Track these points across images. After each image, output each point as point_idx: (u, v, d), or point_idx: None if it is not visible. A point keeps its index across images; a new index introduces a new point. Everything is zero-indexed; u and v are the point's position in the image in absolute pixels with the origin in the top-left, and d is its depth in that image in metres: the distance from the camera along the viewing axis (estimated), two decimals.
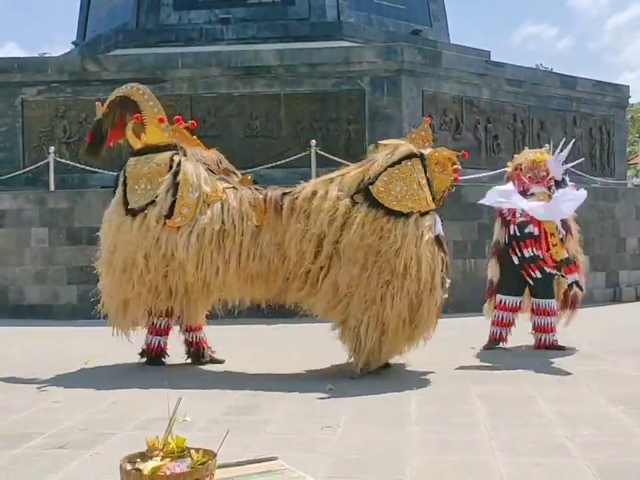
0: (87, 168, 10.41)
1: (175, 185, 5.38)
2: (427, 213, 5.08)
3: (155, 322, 5.64)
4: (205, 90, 10.72)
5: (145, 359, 5.74)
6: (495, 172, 9.90)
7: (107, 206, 5.67)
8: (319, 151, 9.57)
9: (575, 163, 6.55)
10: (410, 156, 5.19)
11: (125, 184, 5.50)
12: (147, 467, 2.58)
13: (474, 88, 11.61)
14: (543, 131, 12.45)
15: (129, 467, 2.59)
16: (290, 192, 5.36)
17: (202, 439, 3.55)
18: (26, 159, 10.83)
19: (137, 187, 5.45)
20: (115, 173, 9.92)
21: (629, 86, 14.21)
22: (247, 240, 5.26)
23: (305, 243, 5.11)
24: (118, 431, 3.70)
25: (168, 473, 2.54)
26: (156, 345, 5.70)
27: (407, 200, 5.04)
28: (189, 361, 5.76)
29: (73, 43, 14.85)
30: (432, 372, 5.16)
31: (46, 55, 21.26)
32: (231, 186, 5.54)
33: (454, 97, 11.35)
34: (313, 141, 9.67)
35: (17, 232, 9.14)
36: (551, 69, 22.45)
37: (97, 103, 5.93)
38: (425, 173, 5.18)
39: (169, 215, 5.32)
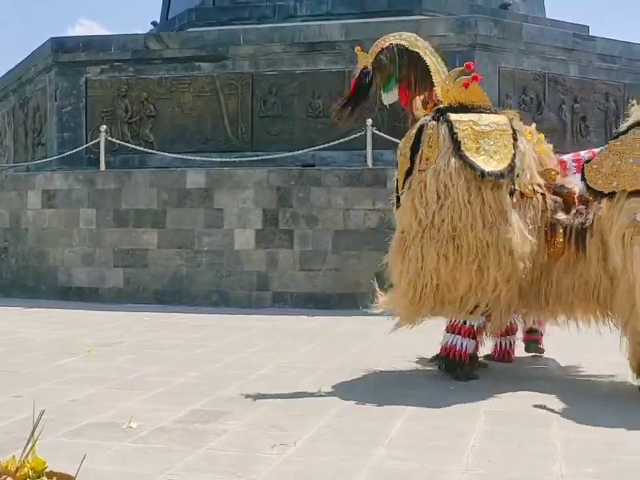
0: (146, 150, 10.21)
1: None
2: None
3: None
4: (266, 67, 10.27)
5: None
6: None
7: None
8: (375, 131, 8.93)
9: None
10: None
11: (456, 141, 4.42)
12: None
13: (559, 64, 10.63)
14: None
15: None
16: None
17: (132, 451, 3.12)
18: (88, 139, 10.69)
19: (477, 146, 4.47)
20: (168, 154, 9.80)
21: None
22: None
23: None
24: (45, 437, 3.27)
25: None
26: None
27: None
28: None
29: (152, 23, 14.74)
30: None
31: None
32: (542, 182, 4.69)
33: (536, 74, 10.43)
34: (369, 120, 8.97)
35: (67, 212, 8.99)
36: None
37: (357, 48, 4.82)
38: None
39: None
